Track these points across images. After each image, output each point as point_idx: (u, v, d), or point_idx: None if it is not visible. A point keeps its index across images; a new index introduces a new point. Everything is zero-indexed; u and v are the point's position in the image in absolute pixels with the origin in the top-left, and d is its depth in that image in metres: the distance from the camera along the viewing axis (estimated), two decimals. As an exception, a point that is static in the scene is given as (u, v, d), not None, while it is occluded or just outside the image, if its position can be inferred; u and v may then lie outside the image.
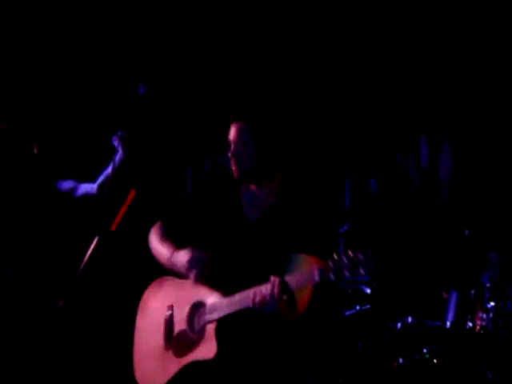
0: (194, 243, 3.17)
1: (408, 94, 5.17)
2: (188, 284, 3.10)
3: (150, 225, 3.25)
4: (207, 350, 2.97)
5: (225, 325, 2.97)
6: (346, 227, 4.72)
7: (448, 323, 4.12)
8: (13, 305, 3.62)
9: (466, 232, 4.18)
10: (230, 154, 3.12)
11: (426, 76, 5.12)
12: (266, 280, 2.85)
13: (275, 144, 3.13)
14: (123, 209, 2.63)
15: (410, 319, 4.26)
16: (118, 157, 4.31)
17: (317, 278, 2.73)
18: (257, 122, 3.11)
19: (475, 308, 4.04)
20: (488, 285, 4.02)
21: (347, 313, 4.48)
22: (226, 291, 3.00)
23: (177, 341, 3.09)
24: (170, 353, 3.09)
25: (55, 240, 3.75)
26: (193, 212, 3.27)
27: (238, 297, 2.93)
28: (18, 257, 3.73)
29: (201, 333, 3.02)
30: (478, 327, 4.02)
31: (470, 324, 4.05)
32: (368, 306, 4.47)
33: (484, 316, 4.01)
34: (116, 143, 4.06)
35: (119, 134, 4.22)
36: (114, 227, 2.62)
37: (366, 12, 5.09)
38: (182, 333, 3.08)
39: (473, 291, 4.05)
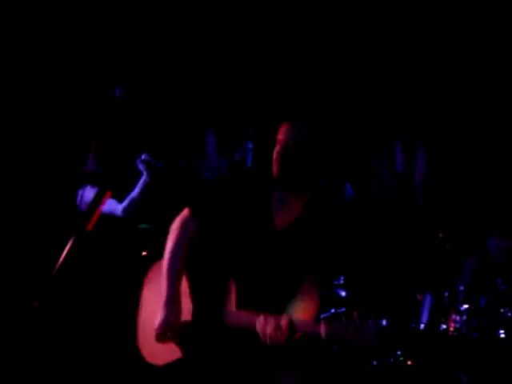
0: (217, 241, 3.15)
1: (383, 99, 5.21)
2: None
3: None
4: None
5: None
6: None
7: (422, 325, 4.16)
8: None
9: (440, 235, 4.22)
10: (277, 153, 3.07)
11: (401, 82, 5.17)
12: (284, 291, 2.89)
13: (324, 151, 3.13)
14: (99, 209, 2.62)
15: (384, 322, 4.29)
16: (143, 180, 4.29)
17: (323, 336, 2.74)
18: (314, 125, 3.13)
19: (449, 310, 4.08)
20: (461, 287, 4.07)
21: (322, 315, 4.50)
22: (243, 295, 2.98)
23: None
24: None
25: (32, 239, 3.74)
26: (223, 209, 3.19)
27: (248, 318, 2.91)
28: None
29: None
30: (451, 329, 4.06)
31: (444, 326, 4.09)
32: (343, 309, 4.49)
33: (458, 318, 4.05)
34: (141, 167, 4.07)
35: (143, 157, 4.21)
36: (89, 227, 2.62)
37: (346, 20, 5.12)
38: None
39: (446, 294, 4.10)
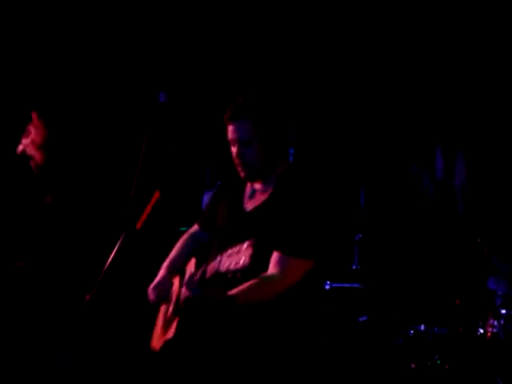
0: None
1: (423, 105, 5.22)
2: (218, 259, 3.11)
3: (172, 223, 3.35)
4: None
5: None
6: (360, 235, 4.78)
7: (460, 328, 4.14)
8: (39, 300, 3.72)
9: (479, 240, 4.23)
10: (235, 155, 3.07)
11: (441, 88, 5.17)
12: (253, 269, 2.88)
13: (277, 137, 3.10)
14: (148, 208, 2.72)
15: (422, 326, 4.30)
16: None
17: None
18: (258, 117, 3.05)
19: (487, 315, 4.08)
20: (500, 292, 4.06)
21: (361, 319, 4.53)
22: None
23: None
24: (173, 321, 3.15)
25: (83, 237, 3.84)
26: (216, 210, 3.32)
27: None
28: (48, 252, 3.83)
29: None
30: (489, 334, 4.06)
31: (481, 331, 4.09)
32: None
33: (495, 323, 4.05)
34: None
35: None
36: (139, 225, 2.72)
37: (385, 22, 5.15)
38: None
39: (485, 298, 4.10)
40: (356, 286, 4.64)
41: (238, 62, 5.22)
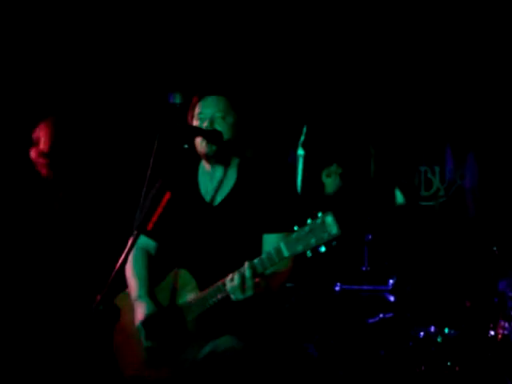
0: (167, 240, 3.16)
1: (433, 106, 5.22)
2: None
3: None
4: None
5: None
6: (369, 237, 4.78)
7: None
8: (51, 300, 3.74)
9: (489, 242, 4.22)
10: (203, 126, 3.03)
11: (452, 89, 5.17)
12: (237, 264, 2.84)
13: (251, 119, 3.12)
14: (159, 209, 2.73)
15: (432, 328, 4.30)
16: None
17: (286, 252, 2.74)
18: (237, 95, 3.10)
19: (498, 317, 4.07)
20: (510, 294, 4.06)
21: (370, 321, 4.53)
22: (200, 280, 2.98)
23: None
24: None
25: (94, 238, 3.86)
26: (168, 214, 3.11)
27: (209, 290, 2.92)
28: (58, 253, 3.85)
29: None
30: (499, 336, 4.06)
31: (492, 332, 4.08)
32: (391, 315, 4.50)
33: (506, 325, 4.04)
34: None
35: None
36: (150, 227, 2.73)
37: (398, 24, 5.15)
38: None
39: (496, 299, 4.09)
40: (366, 287, 4.63)
41: (246, 63, 5.23)
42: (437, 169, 5.31)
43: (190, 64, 5.16)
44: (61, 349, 3.60)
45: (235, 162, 3.14)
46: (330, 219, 2.63)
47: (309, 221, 2.68)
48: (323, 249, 2.67)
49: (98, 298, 2.55)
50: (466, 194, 5.22)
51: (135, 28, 5.09)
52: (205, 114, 3.07)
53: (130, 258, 3.19)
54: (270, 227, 3.01)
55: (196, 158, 3.18)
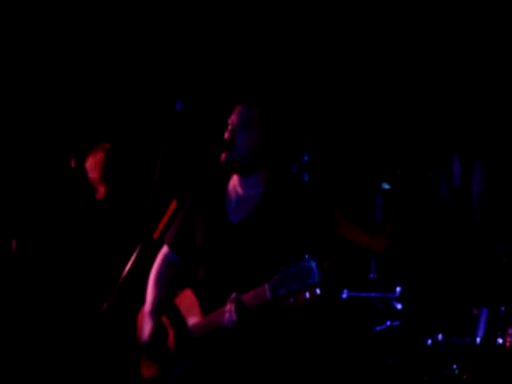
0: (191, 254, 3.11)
1: (440, 111, 5.21)
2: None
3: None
4: None
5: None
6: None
7: (478, 339, 4.14)
8: (57, 308, 3.75)
9: (497, 249, 4.21)
10: (226, 135, 2.93)
11: (459, 95, 5.16)
12: (253, 284, 2.73)
13: (279, 132, 2.94)
14: (165, 218, 2.72)
15: (440, 336, 4.28)
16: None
17: (268, 294, 2.62)
18: (266, 105, 2.96)
19: (505, 324, 4.05)
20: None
21: (377, 328, 4.51)
22: (204, 304, 2.93)
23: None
24: None
25: (100, 247, 3.86)
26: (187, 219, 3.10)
27: (212, 317, 2.86)
28: (64, 262, 3.86)
29: None
30: (508, 344, 4.04)
31: (500, 340, 4.06)
32: (398, 322, 4.49)
33: (514, 333, 4.02)
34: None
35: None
36: (156, 235, 2.72)
37: (404, 30, 5.15)
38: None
39: (503, 308, 4.07)
40: (373, 295, 4.62)
41: (254, 71, 5.24)
42: (444, 175, 5.30)
43: (196, 71, 5.18)
44: (65, 355, 3.61)
45: (261, 176, 2.96)
46: (314, 265, 2.53)
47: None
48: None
49: (105, 306, 2.55)
50: (473, 200, 5.21)
51: (142, 35, 5.11)
52: (229, 123, 2.99)
53: (154, 270, 3.15)
54: (286, 251, 2.84)
55: (225, 171, 3.04)
